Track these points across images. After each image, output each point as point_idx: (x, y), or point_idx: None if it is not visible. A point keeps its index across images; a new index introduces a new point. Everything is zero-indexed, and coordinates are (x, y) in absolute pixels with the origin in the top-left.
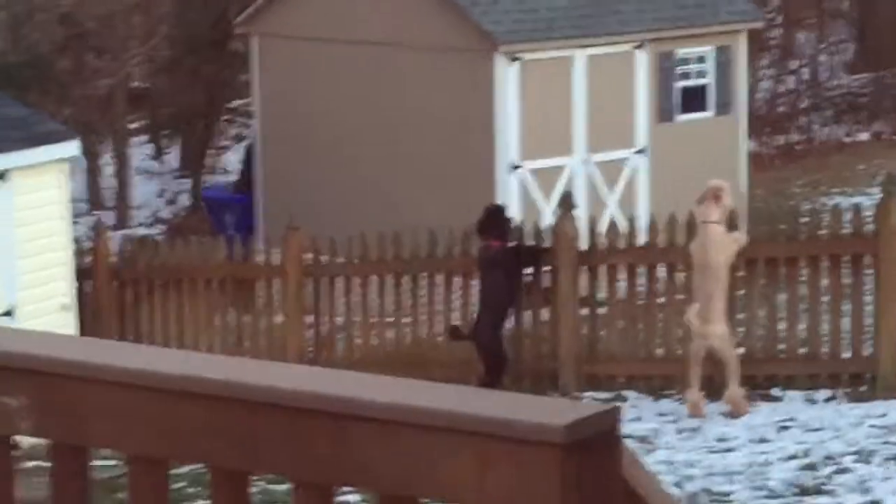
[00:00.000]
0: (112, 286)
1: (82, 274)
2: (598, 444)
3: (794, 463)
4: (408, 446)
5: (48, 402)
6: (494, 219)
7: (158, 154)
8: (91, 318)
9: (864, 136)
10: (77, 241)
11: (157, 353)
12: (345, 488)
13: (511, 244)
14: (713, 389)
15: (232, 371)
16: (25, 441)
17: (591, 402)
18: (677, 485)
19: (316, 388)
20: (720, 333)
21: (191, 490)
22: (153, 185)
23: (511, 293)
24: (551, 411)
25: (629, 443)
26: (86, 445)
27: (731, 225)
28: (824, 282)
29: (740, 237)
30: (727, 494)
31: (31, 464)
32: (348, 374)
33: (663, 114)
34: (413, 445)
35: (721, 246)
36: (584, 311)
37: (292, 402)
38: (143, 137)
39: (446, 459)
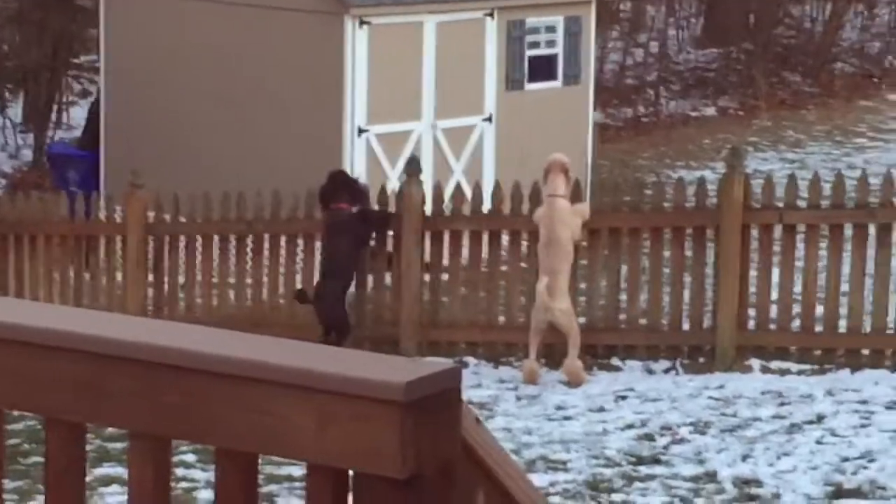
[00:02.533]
0: None
1: None
2: (438, 402)
3: (632, 432)
4: (249, 401)
5: None
6: (343, 184)
7: (1, 107)
8: None
9: (710, 110)
10: None
11: None
12: (182, 447)
13: (356, 209)
14: (553, 358)
15: (73, 321)
16: None
17: (433, 361)
18: (515, 452)
19: (158, 341)
20: (564, 308)
21: (27, 446)
22: None
23: (358, 259)
24: (393, 369)
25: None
26: None
27: (576, 197)
28: (666, 253)
29: (584, 210)
30: (564, 462)
31: None
32: (193, 327)
33: (512, 82)
34: (255, 400)
35: (567, 221)
36: (427, 277)
37: (134, 354)
38: None
39: (286, 415)
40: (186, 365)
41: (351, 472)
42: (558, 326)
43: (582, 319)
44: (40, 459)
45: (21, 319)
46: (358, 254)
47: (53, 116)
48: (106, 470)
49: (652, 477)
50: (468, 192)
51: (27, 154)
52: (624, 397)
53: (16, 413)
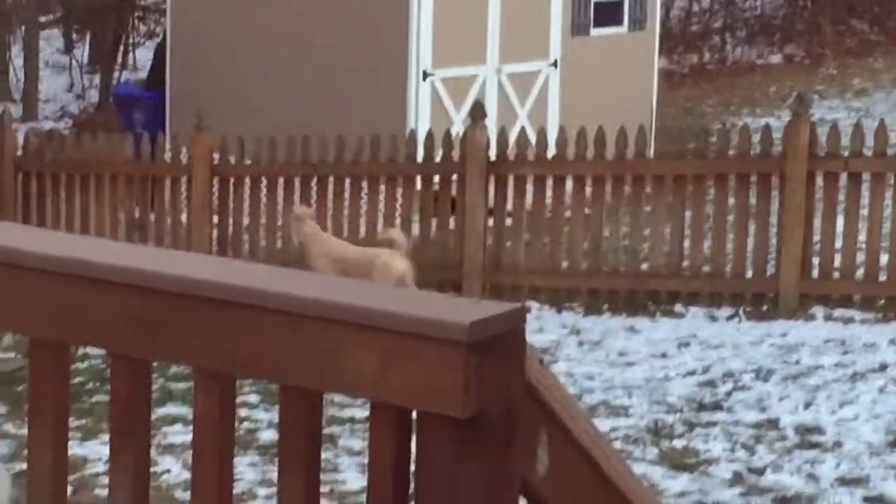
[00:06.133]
0: (17, 179)
1: None
2: (502, 342)
3: (694, 379)
4: (313, 339)
5: None
6: None
7: (69, 48)
8: None
9: (776, 58)
10: None
11: (62, 238)
12: (245, 387)
13: None
14: (616, 304)
15: (139, 258)
16: None
17: (497, 302)
18: (577, 397)
19: (222, 278)
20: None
21: (90, 385)
22: (62, 79)
23: None
24: (457, 309)
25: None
26: None
27: (640, 144)
28: (731, 201)
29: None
30: (626, 408)
31: None
32: (256, 265)
33: (578, 27)
34: (318, 339)
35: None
36: (491, 222)
37: (197, 290)
38: (55, 30)
39: (350, 354)
40: (249, 303)
41: (414, 412)
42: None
43: (645, 266)
44: (104, 398)
45: (86, 255)
46: None
47: (119, 57)
48: (170, 409)
49: (713, 423)
50: (533, 137)
51: (94, 95)
52: (686, 344)
53: (80, 352)
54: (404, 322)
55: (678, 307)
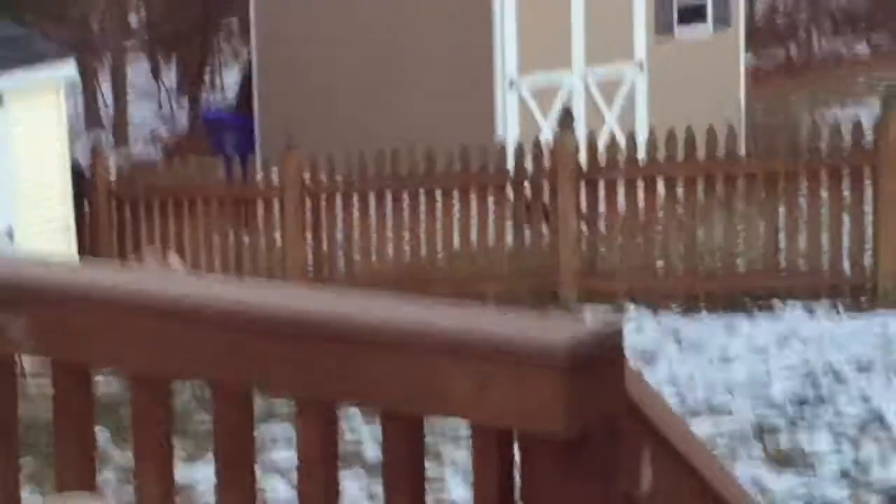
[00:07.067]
0: (110, 206)
1: (81, 194)
2: (601, 363)
3: (795, 375)
4: (410, 365)
5: (50, 324)
6: None
7: (156, 73)
8: (90, 238)
9: (862, 49)
10: (75, 161)
11: (159, 274)
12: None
13: None
14: (714, 303)
15: (233, 292)
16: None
17: (595, 318)
18: (679, 398)
19: (318, 308)
20: None
21: (192, 405)
22: (151, 104)
23: None
24: (553, 331)
25: (630, 356)
26: (87, 366)
27: (731, 143)
28: (824, 195)
29: None
30: (729, 407)
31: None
32: (350, 293)
33: (662, 27)
34: (415, 365)
35: None
36: (584, 227)
37: (295, 323)
38: (141, 55)
39: (449, 378)
40: (345, 332)
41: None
42: None
43: (741, 264)
44: (207, 418)
45: (181, 290)
46: None
47: (206, 80)
48: (273, 427)
49: (817, 419)
50: (622, 140)
51: (183, 119)
52: (786, 339)
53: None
54: (502, 345)
55: (776, 303)
